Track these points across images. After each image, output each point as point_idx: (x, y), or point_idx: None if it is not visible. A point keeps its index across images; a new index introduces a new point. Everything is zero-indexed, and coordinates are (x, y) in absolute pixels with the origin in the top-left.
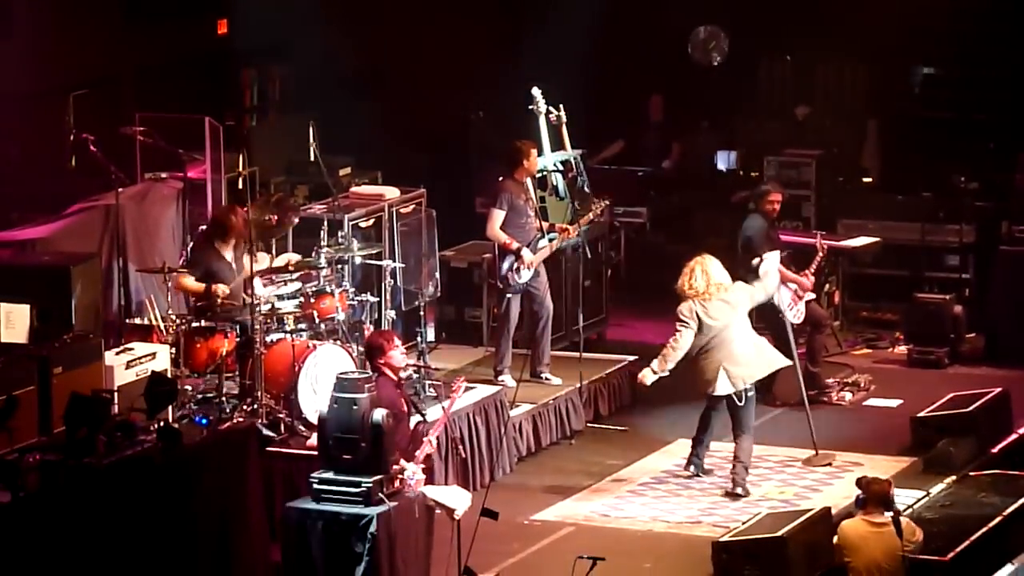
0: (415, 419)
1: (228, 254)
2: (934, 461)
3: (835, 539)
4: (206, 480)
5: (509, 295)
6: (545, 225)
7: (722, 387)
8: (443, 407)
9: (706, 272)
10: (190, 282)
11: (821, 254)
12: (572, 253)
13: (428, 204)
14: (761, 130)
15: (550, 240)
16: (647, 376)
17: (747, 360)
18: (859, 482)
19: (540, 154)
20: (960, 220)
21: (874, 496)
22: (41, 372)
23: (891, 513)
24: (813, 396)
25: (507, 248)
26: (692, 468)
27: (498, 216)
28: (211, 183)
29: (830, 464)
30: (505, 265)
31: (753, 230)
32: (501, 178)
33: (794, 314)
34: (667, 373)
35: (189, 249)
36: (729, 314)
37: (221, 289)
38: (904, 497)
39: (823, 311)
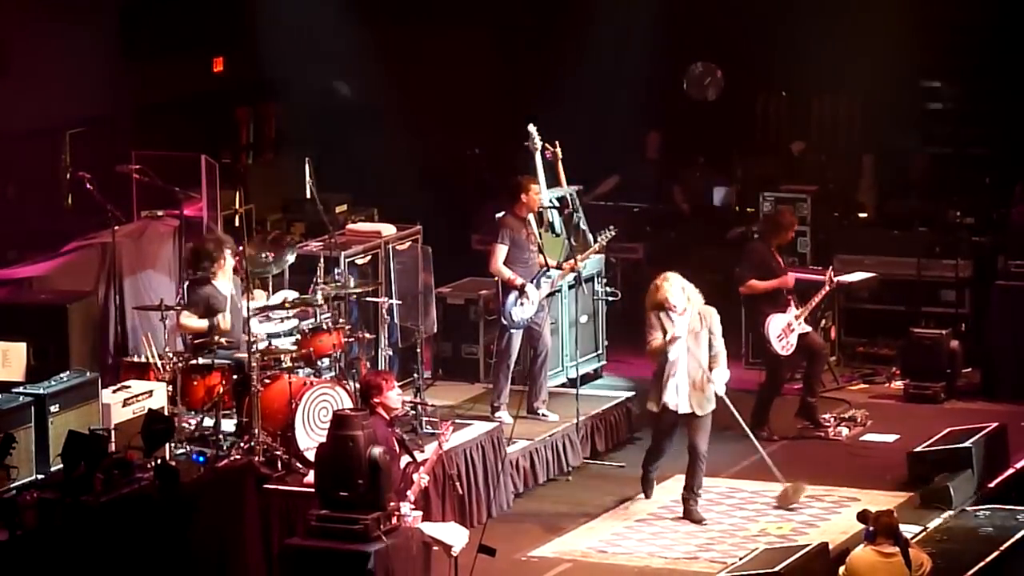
0: (405, 459)
1: (224, 287)
2: (931, 496)
3: (841, 570)
4: (203, 517)
5: (511, 331)
6: (551, 261)
7: None
8: (437, 442)
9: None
10: (192, 321)
11: (827, 288)
12: (568, 289)
13: (424, 241)
14: (757, 166)
15: (550, 277)
16: None
17: None
18: (862, 516)
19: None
20: (956, 255)
21: (883, 528)
22: (38, 410)
23: (902, 543)
24: (809, 430)
25: (511, 284)
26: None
27: (501, 251)
28: (207, 221)
29: (799, 492)
30: (508, 301)
31: (752, 254)
32: (502, 213)
33: (783, 346)
34: None
35: (186, 288)
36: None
37: (221, 319)
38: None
39: (821, 342)
